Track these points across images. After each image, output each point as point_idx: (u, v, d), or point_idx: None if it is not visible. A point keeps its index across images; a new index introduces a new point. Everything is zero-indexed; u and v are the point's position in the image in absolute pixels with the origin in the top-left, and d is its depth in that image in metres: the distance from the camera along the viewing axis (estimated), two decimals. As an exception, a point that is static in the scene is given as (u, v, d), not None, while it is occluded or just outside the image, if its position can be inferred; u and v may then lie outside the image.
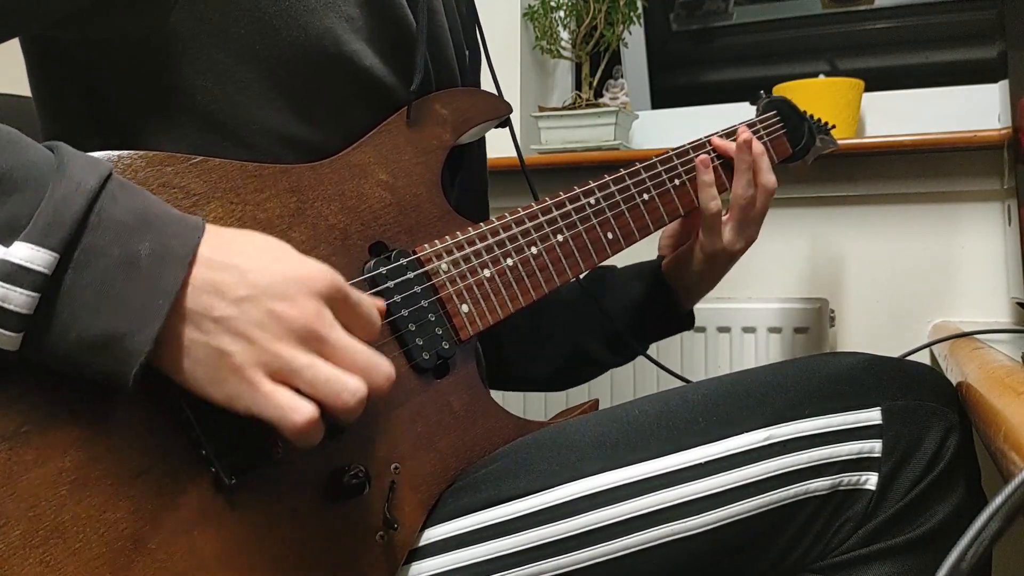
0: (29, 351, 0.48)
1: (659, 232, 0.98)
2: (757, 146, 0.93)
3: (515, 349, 0.96)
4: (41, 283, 0.46)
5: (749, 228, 0.93)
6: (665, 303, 1.00)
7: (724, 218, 0.93)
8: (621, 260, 0.97)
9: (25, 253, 0.46)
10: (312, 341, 0.53)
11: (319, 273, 0.54)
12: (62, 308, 0.48)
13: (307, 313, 0.53)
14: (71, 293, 0.48)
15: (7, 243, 0.46)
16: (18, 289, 0.46)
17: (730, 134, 0.97)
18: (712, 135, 0.96)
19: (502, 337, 0.93)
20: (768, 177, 0.93)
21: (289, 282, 0.53)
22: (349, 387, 0.53)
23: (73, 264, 0.48)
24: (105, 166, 0.51)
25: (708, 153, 0.93)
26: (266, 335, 0.51)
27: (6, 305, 0.46)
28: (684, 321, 1.03)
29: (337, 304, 0.55)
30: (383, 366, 0.55)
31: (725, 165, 0.94)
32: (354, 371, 0.54)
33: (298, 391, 0.52)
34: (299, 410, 0.51)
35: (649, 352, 1.02)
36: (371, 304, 0.58)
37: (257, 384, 0.51)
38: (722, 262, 0.95)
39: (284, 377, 0.52)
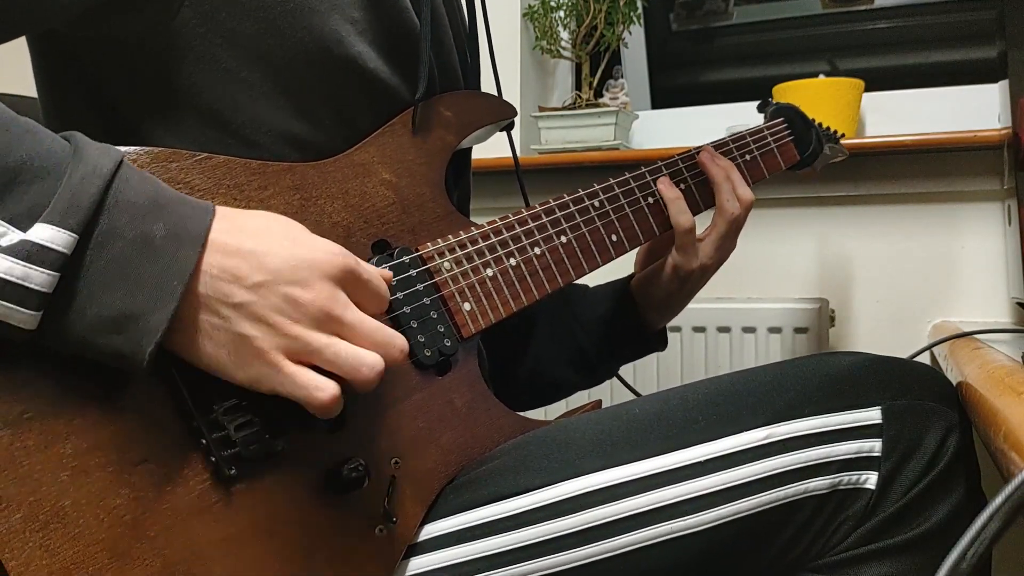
0: (47, 331, 0.49)
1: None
2: (723, 160, 0.92)
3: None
4: (61, 263, 0.48)
5: (729, 242, 0.92)
6: (633, 323, 0.98)
7: (702, 235, 0.91)
8: (621, 265, 0.96)
9: (47, 234, 0.47)
10: (329, 322, 0.55)
11: (331, 256, 0.57)
12: (80, 288, 0.49)
13: (322, 296, 0.55)
14: (89, 273, 0.49)
15: (27, 227, 0.47)
16: (39, 268, 0.47)
17: (735, 140, 0.97)
18: (704, 146, 0.95)
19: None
20: (744, 190, 0.92)
21: (304, 266, 0.55)
22: (368, 362, 0.56)
23: (92, 245, 0.49)
24: (117, 151, 0.52)
25: (680, 172, 0.92)
26: (285, 319, 0.54)
27: (27, 283, 0.47)
28: (654, 341, 1.00)
29: (349, 283, 0.57)
30: (397, 339, 0.59)
31: (700, 186, 0.93)
32: (371, 346, 0.57)
33: (318, 369, 0.55)
34: (324, 388, 0.54)
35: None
36: (379, 278, 0.60)
37: (280, 366, 0.53)
38: (694, 280, 0.92)
39: (305, 358, 0.54)
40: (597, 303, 1.00)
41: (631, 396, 1.29)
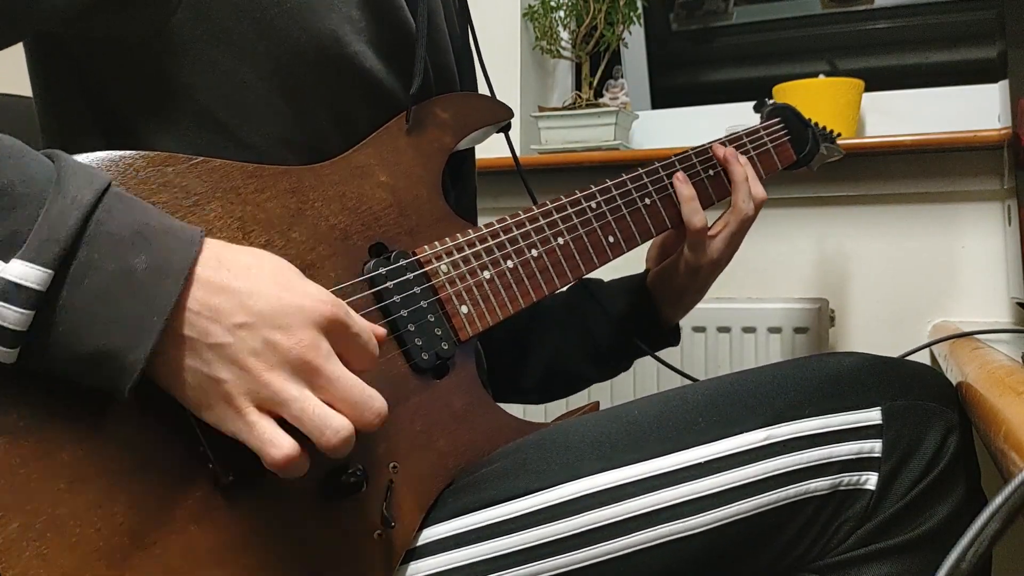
0: (26, 365, 0.48)
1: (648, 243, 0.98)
2: (743, 159, 0.94)
3: (496, 361, 0.96)
4: (35, 300, 0.46)
5: (739, 237, 0.93)
6: (649, 317, 0.99)
7: (713, 231, 0.92)
8: (622, 264, 0.96)
9: (19, 270, 0.46)
10: (306, 372, 0.53)
11: (320, 304, 0.55)
12: (58, 324, 0.48)
13: (303, 344, 0.53)
14: (66, 308, 0.48)
15: (7, 259, 0.46)
16: (12, 307, 0.46)
17: (732, 140, 0.97)
18: (713, 142, 0.96)
19: (484, 348, 0.93)
20: (758, 188, 0.93)
21: (288, 311, 0.53)
22: (333, 425, 0.53)
23: (68, 280, 0.48)
24: (103, 178, 0.51)
25: (694, 167, 0.93)
26: (260, 364, 0.52)
27: (0, 322, 0.46)
28: (669, 336, 1.01)
29: (336, 334, 0.55)
30: (375, 402, 0.56)
31: (713, 179, 0.94)
32: (346, 405, 0.54)
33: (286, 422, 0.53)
34: (279, 445, 0.52)
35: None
36: (370, 333, 0.58)
37: (244, 413, 0.52)
38: (705, 275, 0.94)
39: (272, 407, 0.52)
40: (614, 298, 1.00)
41: (631, 397, 1.28)
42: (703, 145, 0.95)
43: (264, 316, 0.52)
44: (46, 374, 0.49)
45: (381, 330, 0.60)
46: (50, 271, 0.47)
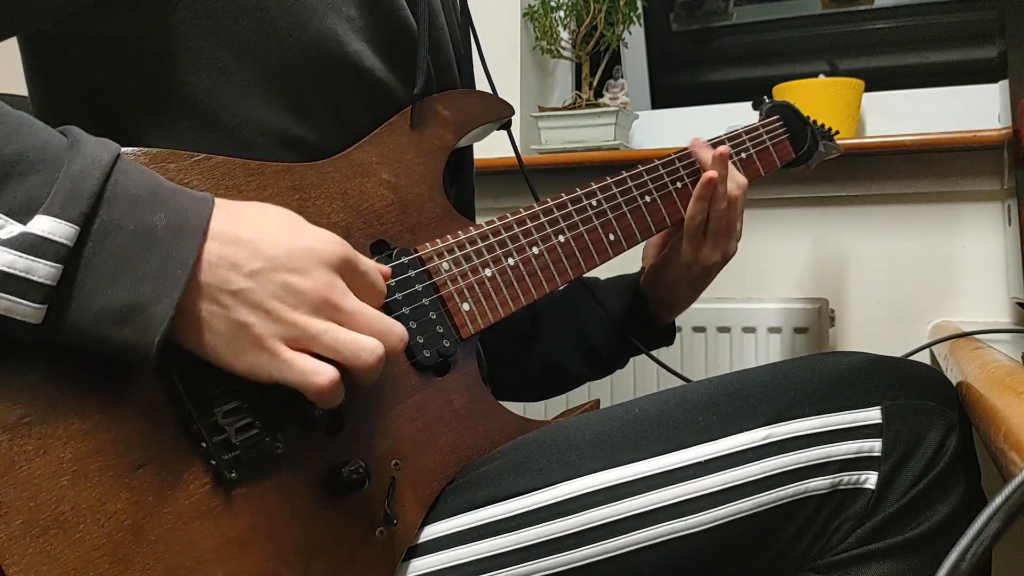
0: (52, 326, 0.48)
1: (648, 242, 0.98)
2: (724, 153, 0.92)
3: (494, 359, 0.96)
4: (64, 255, 0.47)
5: (723, 239, 0.92)
6: (643, 317, 1.00)
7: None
8: (622, 263, 0.96)
9: (47, 225, 0.47)
10: (327, 309, 0.55)
11: (330, 244, 0.57)
12: (83, 280, 0.48)
13: (320, 283, 0.55)
14: (91, 265, 0.49)
15: (26, 220, 0.47)
16: (42, 260, 0.46)
17: (731, 139, 0.97)
18: (712, 139, 0.95)
19: (482, 346, 0.93)
20: (738, 176, 0.92)
21: (301, 254, 0.55)
22: (367, 347, 0.55)
23: (92, 237, 0.49)
24: (114, 145, 0.52)
25: (692, 164, 0.93)
26: (283, 306, 0.54)
27: (30, 276, 0.46)
28: (662, 336, 1.02)
29: (347, 273, 0.58)
30: (396, 328, 0.59)
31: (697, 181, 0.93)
32: (369, 334, 0.56)
33: (318, 357, 0.54)
34: (322, 372, 0.54)
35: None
36: (376, 270, 0.60)
37: (278, 352, 0.53)
38: (697, 275, 0.94)
39: (303, 344, 0.54)
40: (609, 298, 1.00)
41: (631, 395, 1.29)
42: (683, 150, 0.95)
43: (278, 260, 0.54)
44: (73, 338, 0.49)
45: (386, 268, 0.63)
46: (77, 227, 0.48)
